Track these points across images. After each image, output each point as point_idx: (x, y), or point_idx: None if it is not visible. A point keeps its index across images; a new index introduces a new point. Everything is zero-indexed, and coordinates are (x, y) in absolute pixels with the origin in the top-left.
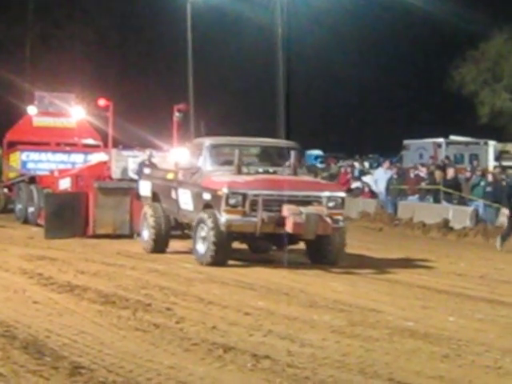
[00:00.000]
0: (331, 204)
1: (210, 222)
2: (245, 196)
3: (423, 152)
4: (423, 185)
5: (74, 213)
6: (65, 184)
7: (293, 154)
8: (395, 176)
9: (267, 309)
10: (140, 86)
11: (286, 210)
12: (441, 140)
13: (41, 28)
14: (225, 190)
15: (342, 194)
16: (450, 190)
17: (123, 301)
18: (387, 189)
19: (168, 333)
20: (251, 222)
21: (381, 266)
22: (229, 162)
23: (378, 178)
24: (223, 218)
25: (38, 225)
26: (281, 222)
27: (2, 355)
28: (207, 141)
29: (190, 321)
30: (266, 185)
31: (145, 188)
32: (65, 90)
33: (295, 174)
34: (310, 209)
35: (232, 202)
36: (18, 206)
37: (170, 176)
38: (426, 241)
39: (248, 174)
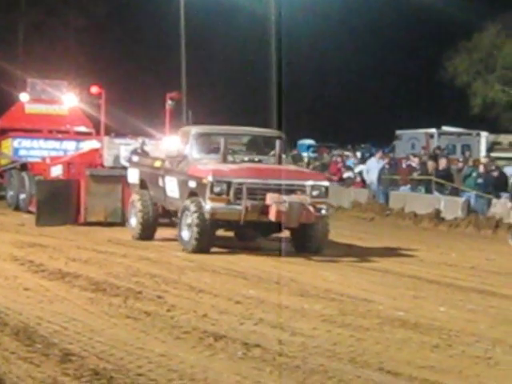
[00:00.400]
0: (315, 193)
1: (194, 210)
2: (229, 184)
3: (415, 142)
4: (415, 175)
5: (66, 200)
6: (56, 171)
7: (278, 143)
8: (387, 166)
9: (258, 297)
10: (133, 73)
11: (270, 198)
12: (433, 130)
13: (34, 15)
14: (209, 178)
15: (326, 183)
16: (441, 181)
17: (114, 288)
18: (379, 179)
19: (159, 321)
20: (235, 210)
21: (372, 255)
22: (215, 151)
23: (370, 167)
24: (208, 205)
25: (29, 212)
26: (264, 210)
27: None
28: (193, 129)
29: (180, 309)
30: (251, 173)
31: (133, 175)
32: (57, 77)
33: (280, 163)
34: (293, 197)
35: (216, 189)
36: (10, 193)
37: (158, 164)
38: (418, 231)
39: (233, 162)
